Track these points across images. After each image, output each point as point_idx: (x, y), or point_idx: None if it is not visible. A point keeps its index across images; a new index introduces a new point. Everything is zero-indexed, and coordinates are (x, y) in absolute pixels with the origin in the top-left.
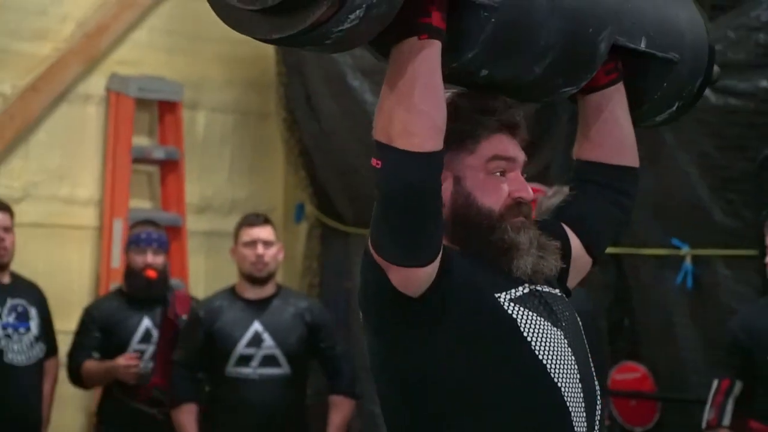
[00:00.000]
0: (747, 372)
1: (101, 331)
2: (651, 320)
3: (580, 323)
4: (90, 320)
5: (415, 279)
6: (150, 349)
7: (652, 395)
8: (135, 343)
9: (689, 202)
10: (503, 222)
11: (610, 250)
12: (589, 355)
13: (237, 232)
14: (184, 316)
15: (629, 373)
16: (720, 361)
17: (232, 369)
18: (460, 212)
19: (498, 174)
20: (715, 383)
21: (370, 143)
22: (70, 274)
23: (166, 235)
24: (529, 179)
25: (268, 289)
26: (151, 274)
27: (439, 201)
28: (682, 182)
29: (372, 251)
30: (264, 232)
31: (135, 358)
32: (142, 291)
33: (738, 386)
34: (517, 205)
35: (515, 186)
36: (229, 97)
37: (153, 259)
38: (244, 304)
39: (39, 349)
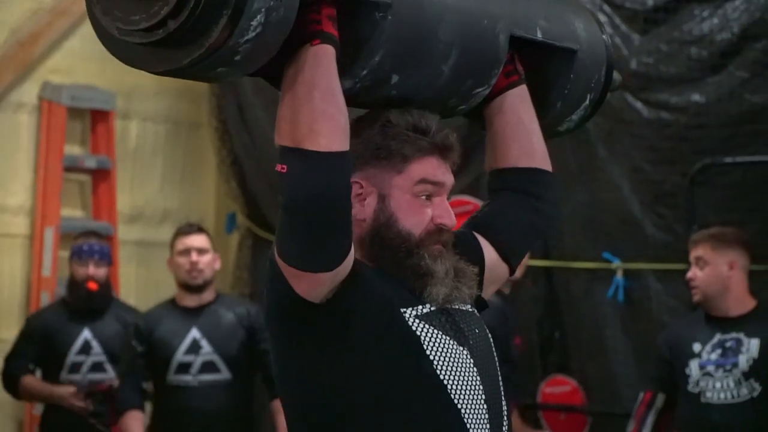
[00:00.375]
0: (669, 384)
1: (41, 340)
2: (582, 333)
3: (491, 339)
4: (31, 329)
5: (320, 284)
6: (89, 360)
7: (582, 408)
8: (73, 354)
9: (621, 215)
10: (421, 248)
11: (541, 263)
12: (499, 373)
13: (172, 243)
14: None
15: (559, 387)
16: (648, 375)
17: (173, 377)
18: (380, 231)
19: (423, 197)
20: (640, 396)
21: None
22: (0, 282)
23: (108, 246)
24: (460, 191)
25: (206, 296)
26: (92, 286)
27: (348, 203)
28: (614, 196)
29: (277, 259)
30: (198, 241)
31: (80, 395)
32: (83, 302)
33: (660, 398)
34: (438, 231)
35: (439, 212)
36: (161, 107)
37: (95, 270)
38: (181, 312)
39: None
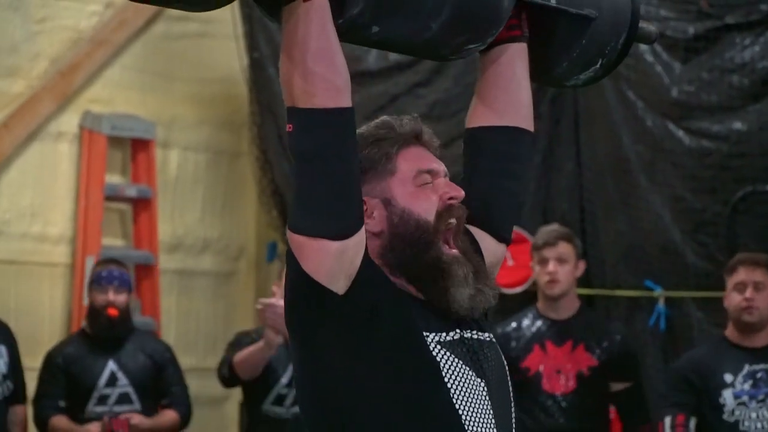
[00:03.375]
0: (698, 411)
1: (65, 375)
2: None
3: (507, 369)
4: (54, 366)
5: (327, 256)
6: (115, 392)
7: None
8: (101, 387)
9: (662, 244)
10: (438, 237)
11: (582, 291)
12: (512, 405)
13: None
14: None
15: None
16: (667, 400)
17: (269, 407)
18: (398, 231)
19: (425, 185)
20: (668, 420)
21: None
22: (41, 312)
23: (129, 273)
24: None
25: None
26: (113, 312)
27: (350, 166)
28: (655, 224)
29: (288, 236)
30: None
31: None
32: (104, 330)
33: (692, 422)
34: (448, 209)
35: (443, 189)
36: (201, 136)
37: (114, 297)
38: None
39: (6, 388)
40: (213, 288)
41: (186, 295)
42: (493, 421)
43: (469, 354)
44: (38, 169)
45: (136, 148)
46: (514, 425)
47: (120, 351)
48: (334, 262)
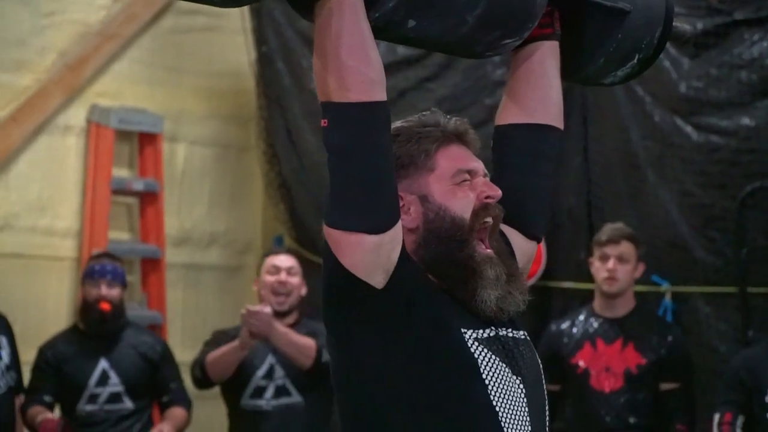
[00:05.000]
0: (747, 408)
1: (56, 372)
2: None
3: (541, 368)
4: (43, 362)
5: (365, 250)
6: (106, 391)
7: None
8: (92, 386)
9: (670, 239)
10: (472, 236)
11: (590, 286)
12: (546, 403)
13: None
14: None
15: None
16: (720, 397)
17: (248, 401)
18: (433, 228)
19: (462, 183)
20: (717, 417)
21: None
22: (47, 305)
23: (122, 268)
24: None
25: (288, 320)
26: (105, 306)
27: (385, 161)
28: (663, 220)
29: (324, 231)
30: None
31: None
32: (96, 325)
33: (740, 420)
34: (485, 208)
35: (481, 188)
36: (209, 130)
37: (107, 291)
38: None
39: (10, 378)
40: (220, 282)
41: (193, 289)
42: (529, 418)
43: (505, 351)
44: (46, 162)
45: (144, 141)
46: (548, 423)
47: (112, 348)
48: (372, 256)
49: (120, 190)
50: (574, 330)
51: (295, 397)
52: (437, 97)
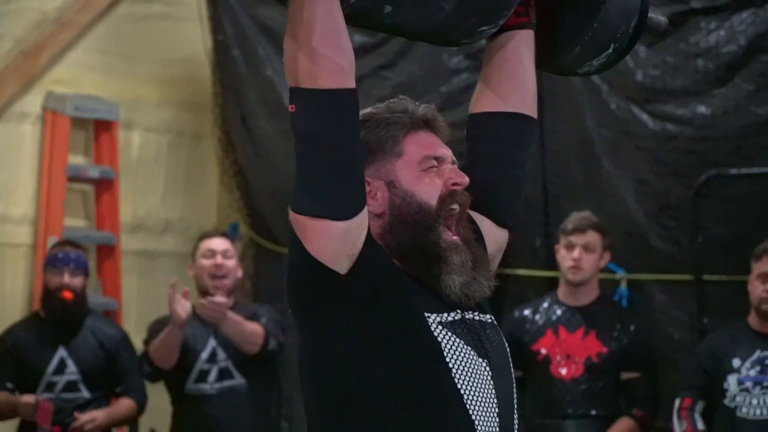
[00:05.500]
0: (708, 394)
1: (14, 359)
2: None
3: (508, 351)
4: (4, 349)
5: (330, 237)
6: (63, 379)
7: None
8: (49, 374)
9: (626, 227)
10: (439, 222)
11: (545, 273)
12: (514, 387)
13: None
14: (45, 426)
15: None
16: (683, 383)
17: (192, 385)
18: (400, 213)
19: (430, 169)
20: (677, 401)
21: None
22: (3, 291)
23: (85, 256)
24: None
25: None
26: (67, 295)
27: (353, 148)
28: (619, 207)
29: (291, 216)
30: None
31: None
32: (57, 313)
33: (700, 405)
34: (452, 195)
35: (448, 174)
36: (164, 118)
37: (70, 279)
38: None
39: None
40: (174, 269)
41: (147, 276)
42: (495, 400)
43: (471, 334)
44: (1, 149)
45: (99, 129)
46: (515, 405)
47: (71, 337)
48: (337, 242)
49: (75, 177)
50: (537, 317)
51: (238, 380)
52: (393, 85)
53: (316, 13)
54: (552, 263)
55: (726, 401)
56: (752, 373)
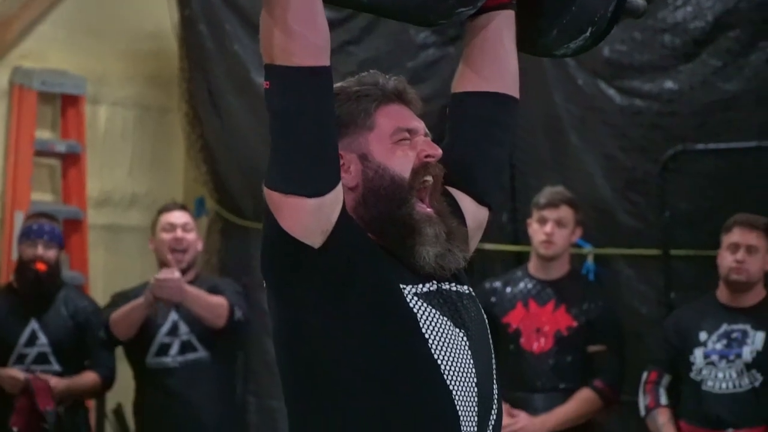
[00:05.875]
0: (674, 368)
1: None
2: None
3: (486, 321)
4: None
5: (304, 213)
6: (33, 351)
7: None
8: (20, 346)
9: (593, 202)
10: (412, 195)
11: (511, 248)
12: (493, 357)
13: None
14: (48, 408)
15: None
16: (652, 357)
17: (152, 359)
18: (372, 186)
19: (402, 141)
20: (644, 375)
21: None
22: None
23: (60, 228)
24: None
25: (187, 277)
26: (41, 267)
27: (326, 124)
28: (585, 182)
29: (265, 192)
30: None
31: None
32: (31, 285)
33: (666, 379)
34: (425, 167)
35: (421, 146)
36: (131, 92)
37: (44, 251)
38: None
39: None
40: (140, 243)
41: (114, 251)
42: (474, 370)
43: (447, 305)
44: None
45: (66, 103)
46: (495, 375)
47: (44, 309)
48: (311, 218)
49: (42, 151)
50: (508, 290)
51: (201, 353)
52: (359, 61)
53: None
54: (519, 238)
55: (692, 375)
56: (718, 346)
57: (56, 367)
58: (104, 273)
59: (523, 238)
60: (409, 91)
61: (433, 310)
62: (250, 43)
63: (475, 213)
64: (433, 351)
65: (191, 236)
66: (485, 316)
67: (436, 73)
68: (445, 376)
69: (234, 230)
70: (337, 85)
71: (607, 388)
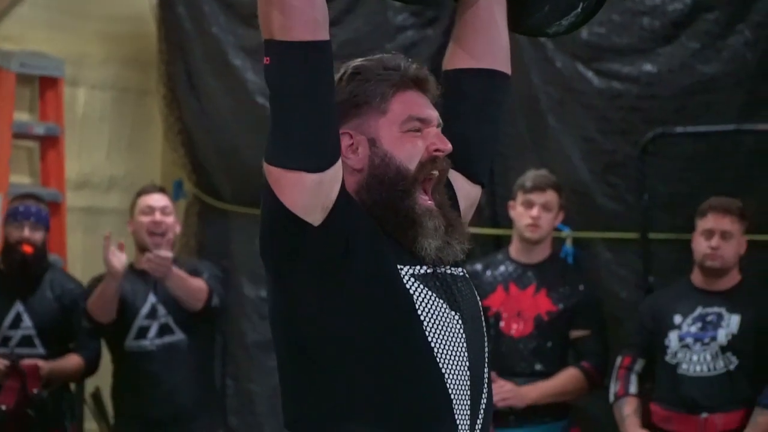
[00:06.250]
0: (649, 352)
1: None
2: None
3: (480, 305)
4: None
5: (304, 188)
6: (18, 334)
7: None
8: (5, 329)
9: (571, 185)
10: (415, 187)
11: (490, 231)
12: (486, 341)
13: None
14: (35, 390)
15: None
16: (628, 341)
17: (132, 342)
18: (377, 174)
19: (413, 132)
20: (618, 359)
21: (251, 122)
22: None
23: (47, 210)
24: None
25: None
26: (27, 249)
27: (326, 100)
28: (564, 165)
29: (264, 168)
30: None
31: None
32: (17, 267)
33: (640, 363)
34: (432, 161)
35: (431, 140)
36: (109, 74)
37: (30, 233)
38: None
39: None
40: (119, 226)
41: (92, 233)
42: (466, 353)
43: (443, 287)
44: None
45: (45, 85)
46: (487, 358)
47: (29, 292)
48: (311, 194)
49: (21, 133)
50: (488, 273)
51: (178, 335)
52: (339, 42)
53: None
54: (498, 221)
55: (667, 358)
56: (693, 329)
57: (41, 350)
58: (83, 255)
59: (503, 221)
60: (429, 79)
61: (429, 292)
62: (228, 25)
63: (468, 192)
64: (427, 333)
65: (170, 219)
66: (479, 299)
67: (414, 55)
68: (437, 358)
69: (212, 213)
70: (357, 62)
71: (594, 369)
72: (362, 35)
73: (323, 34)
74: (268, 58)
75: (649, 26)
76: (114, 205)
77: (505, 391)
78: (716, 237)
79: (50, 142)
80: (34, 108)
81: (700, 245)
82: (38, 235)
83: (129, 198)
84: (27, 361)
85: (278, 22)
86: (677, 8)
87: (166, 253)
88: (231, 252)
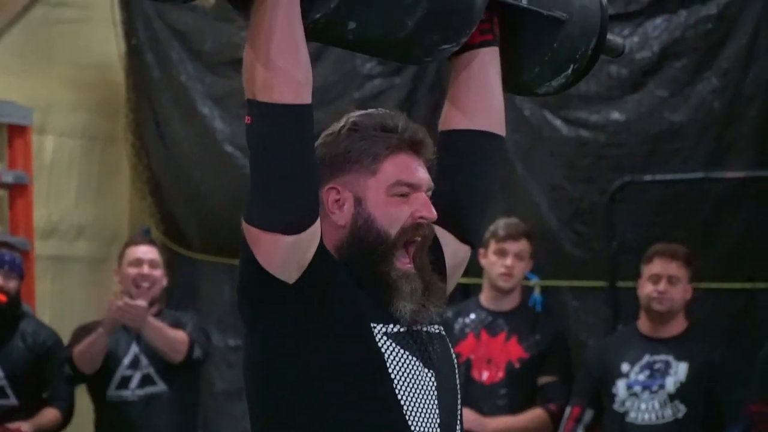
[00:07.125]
0: (597, 401)
1: None
2: None
3: (455, 362)
4: None
5: (281, 250)
6: None
7: None
8: None
9: (539, 232)
10: (394, 251)
11: (461, 280)
12: (459, 397)
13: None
14: None
15: None
16: (574, 390)
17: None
18: (358, 235)
19: (399, 196)
20: (567, 410)
21: (219, 170)
22: None
23: (21, 258)
24: None
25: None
26: (1, 298)
27: (306, 162)
28: (532, 213)
29: (243, 226)
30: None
31: None
32: None
33: (588, 414)
34: (415, 227)
35: (417, 206)
36: (77, 122)
37: (4, 282)
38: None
39: None
40: (87, 274)
41: (60, 281)
42: (438, 411)
43: (417, 345)
44: None
45: (13, 133)
46: (459, 416)
47: (2, 341)
48: (287, 254)
49: None
50: (459, 320)
51: (160, 386)
52: None
53: (276, 24)
54: (466, 269)
55: (615, 406)
56: (641, 377)
57: (13, 400)
58: (51, 303)
59: (471, 269)
60: (426, 142)
61: (402, 351)
62: (196, 73)
63: (456, 250)
64: (397, 391)
65: (157, 273)
66: (454, 356)
67: (382, 103)
68: (407, 415)
69: (180, 261)
70: (357, 117)
71: (560, 412)
72: (330, 83)
73: (305, 97)
74: (249, 118)
75: (617, 74)
76: (82, 254)
77: (468, 420)
78: (663, 281)
79: (19, 191)
80: (2, 156)
81: (647, 289)
82: (12, 284)
83: (97, 246)
84: (12, 425)
85: (261, 81)
86: (645, 56)
87: (141, 303)
88: (199, 300)
